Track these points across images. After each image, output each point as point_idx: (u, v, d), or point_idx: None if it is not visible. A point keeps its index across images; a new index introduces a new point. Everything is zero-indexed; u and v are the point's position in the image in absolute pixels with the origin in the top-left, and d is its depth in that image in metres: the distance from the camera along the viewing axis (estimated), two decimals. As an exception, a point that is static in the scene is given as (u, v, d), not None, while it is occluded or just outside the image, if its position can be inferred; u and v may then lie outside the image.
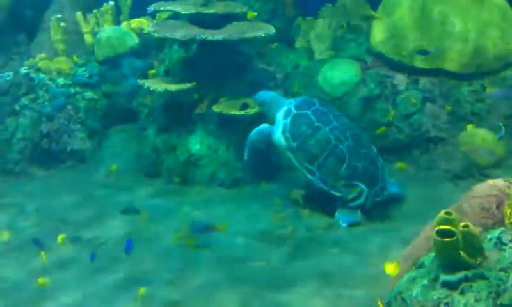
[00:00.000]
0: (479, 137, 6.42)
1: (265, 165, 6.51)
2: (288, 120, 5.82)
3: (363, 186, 5.65)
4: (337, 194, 5.66)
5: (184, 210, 6.14)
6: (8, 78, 7.52)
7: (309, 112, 5.86)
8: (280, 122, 5.89)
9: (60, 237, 5.28)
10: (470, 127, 6.57)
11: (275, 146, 6.01)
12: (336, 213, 5.71)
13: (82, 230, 5.81)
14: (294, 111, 5.87)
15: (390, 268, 3.47)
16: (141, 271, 5.03)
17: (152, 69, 7.68)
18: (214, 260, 5.11)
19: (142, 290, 4.51)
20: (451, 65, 6.85)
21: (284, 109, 5.94)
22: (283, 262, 5.04)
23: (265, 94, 6.22)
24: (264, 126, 6.07)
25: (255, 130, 6.05)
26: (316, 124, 5.79)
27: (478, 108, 6.75)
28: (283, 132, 5.81)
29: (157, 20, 8.01)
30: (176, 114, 6.96)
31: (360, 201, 5.66)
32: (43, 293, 4.75)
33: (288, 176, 6.58)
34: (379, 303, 3.80)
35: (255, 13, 7.03)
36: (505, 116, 6.66)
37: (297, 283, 4.67)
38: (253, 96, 6.35)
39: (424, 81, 6.96)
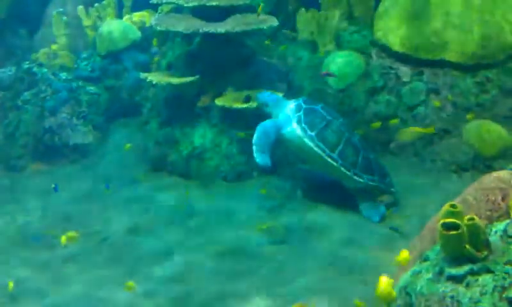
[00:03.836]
0: (484, 129, 6.38)
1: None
2: (302, 113, 5.87)
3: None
4: (360, 180, 5.69)
5: (184, 203, 6.15)
6: (10, 73, 7.50)
7: (318, 108, 5.96)
8: (292, 115, 5.90)
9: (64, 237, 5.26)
10: (470, 117, 6.53)
11: (286, 139, 5.95)
12: (364, 212, 5.75)
13: (86, 224, 5.81)
14: (304, 106, 5.93)
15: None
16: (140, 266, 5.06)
17: (154, 63, 7.66)
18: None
19: (131, 284, 4.50)
20: (455, 56, 6.80)
21: (293, 104, 5.98)
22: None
23: (268, 96, 6.22)
24: (274, 119, 6.02)
25: (267, 121, 5.96)
26: (328, 117, 5.88)
27: (483, 99, 6.70)
28: (299, 123, 5.83)
29: (159, 13, 7.97)
30: (179, 108, 6.94)
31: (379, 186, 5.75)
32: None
33: (288, 170, 6.60)
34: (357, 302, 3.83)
35: (263, 5, 6.98)
36: (510, 108, 6.62)
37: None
38: (256, 95, 6.33)
39: (428, 73, 6.91)
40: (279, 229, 5.46)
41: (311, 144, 5.76)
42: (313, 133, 5.77)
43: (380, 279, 3.16)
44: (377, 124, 6.50)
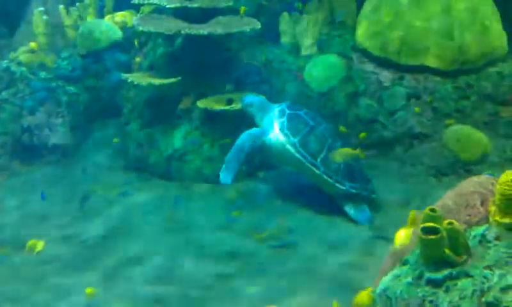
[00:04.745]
0: (464, 134, 6.44)
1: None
2: (285, 119, 5.87)
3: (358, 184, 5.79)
4: (342, 187, 5.68)
5: (167, 205, 6.09)
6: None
7: (302, 113, 5.96)
8: (275, 121, 5.90)
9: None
10: (450, 122, 6.59)
11: (268, 146, 5.93)
12: (352, 213, 5.72)
13: (64, 227, 5.74)
14: (288, 111, 5.93)
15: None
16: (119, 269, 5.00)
17: (136, 63, 7.60)
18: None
19: (90, 290, 4.43)
20: (436, 62, 6.86)
21: (277, 109, 5.98)
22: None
23: (253, 98, 6.23)
24: (254, 129, 6.03)
25: (246, 133, 5.97)
26: (311, 123, 5.89)
27: (463, 105, 6.76)
28: (282, 129, 5.83)
29: (141, 13, 7.91)
30: (161, 109, 6.89)
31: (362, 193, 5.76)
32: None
33: (271, 173, 6.59)
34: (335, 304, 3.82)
35: (246, 8, 6.96)
36: (489, 113, 6.69)
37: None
38: (241, 97, 6.31)
39: (408, 78, 6.96)
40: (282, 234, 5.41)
41: (293, 150, 5.76)
42: (295, 140, 5.77)
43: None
44: (344, 129, 6.54)
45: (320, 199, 5.90)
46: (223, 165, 5.84)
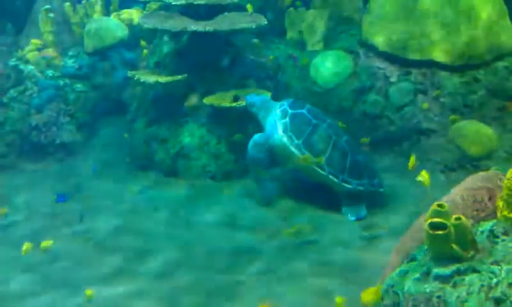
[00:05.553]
0: (472, 129, 6.41)
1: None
2: (288, 119, 5.82)
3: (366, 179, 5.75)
4: (348, 186, 5.65)
5: (172, 203, 6.10)
6: (-5, 71, 7.44)
7: (304, 111, 5.89)
8: (278, 122, 5.86)
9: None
10: (454, 117, 6.56)
11: (274, 147, 5.91)
12: (343, 208, 5.72)
13: (72, 224, 5.76)
14: (290, 111, 5.87)
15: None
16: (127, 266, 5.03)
17: (142, 62, 7.62)
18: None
19: (89, 292, 4.44)
20: (443, 57, 6.83)
21: (279, 110, 5.92)
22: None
23: (256, 97, 6.20)
24: (257, 135, 6.02)
25: (251, 142, 5.97)
26: (314, 121, 5.82)
27: (470, 100, 6.73)
28: (285, 131, 5.79)
29: (147, 11, 7.93)
30: (167, 106, 6.91)
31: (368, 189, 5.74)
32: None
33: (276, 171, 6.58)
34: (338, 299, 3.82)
35: (250, 4, 6.96)
36: (497, 108, 6.66)
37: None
38: (245, 97, 6.30)
39: (415, 73, 6.94)
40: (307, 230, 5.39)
41: (297, 152, 5.72)
42: (299, 142, 5.72)
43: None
44: (343, 125, 6.53)
45: (323, 195, 5.87)
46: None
